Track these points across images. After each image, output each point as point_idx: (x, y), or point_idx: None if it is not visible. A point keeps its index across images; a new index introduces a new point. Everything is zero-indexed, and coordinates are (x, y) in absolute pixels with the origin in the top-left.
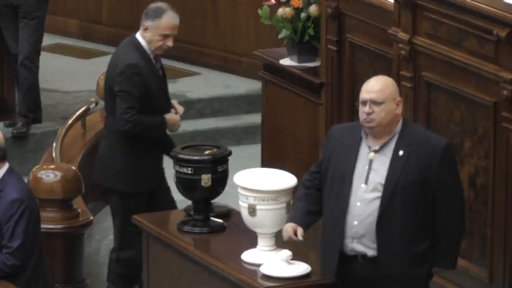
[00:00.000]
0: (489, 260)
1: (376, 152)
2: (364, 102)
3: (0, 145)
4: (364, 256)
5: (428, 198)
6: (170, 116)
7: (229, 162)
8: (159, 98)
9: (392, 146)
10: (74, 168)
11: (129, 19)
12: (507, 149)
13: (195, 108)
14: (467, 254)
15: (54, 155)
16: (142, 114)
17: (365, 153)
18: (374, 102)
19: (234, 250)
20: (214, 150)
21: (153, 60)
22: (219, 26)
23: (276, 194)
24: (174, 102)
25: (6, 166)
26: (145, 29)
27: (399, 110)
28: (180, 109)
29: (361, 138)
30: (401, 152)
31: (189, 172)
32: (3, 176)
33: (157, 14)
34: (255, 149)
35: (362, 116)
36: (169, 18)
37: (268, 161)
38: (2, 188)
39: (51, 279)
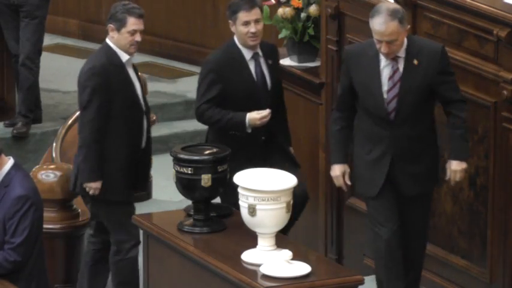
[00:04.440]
0: (489, 260)
1: None
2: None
3: None
4: None
5: None
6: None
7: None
8: None
9: None
10: None
11: None
12: (507, 149)
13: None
14: (467, 254)
15: (54, 155)
16: None
17: None
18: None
19: (234, 250)
20: (214, 150)
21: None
22: (219, 26)
23: (276, 194)
24: None
25: (11, 162)
26: None
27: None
28: None
29: None
30: None
31: (189, 172)
32: (9, 171)
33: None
34: None
35: None
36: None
37: None
38: (8, 183)
39: (51, 279)
